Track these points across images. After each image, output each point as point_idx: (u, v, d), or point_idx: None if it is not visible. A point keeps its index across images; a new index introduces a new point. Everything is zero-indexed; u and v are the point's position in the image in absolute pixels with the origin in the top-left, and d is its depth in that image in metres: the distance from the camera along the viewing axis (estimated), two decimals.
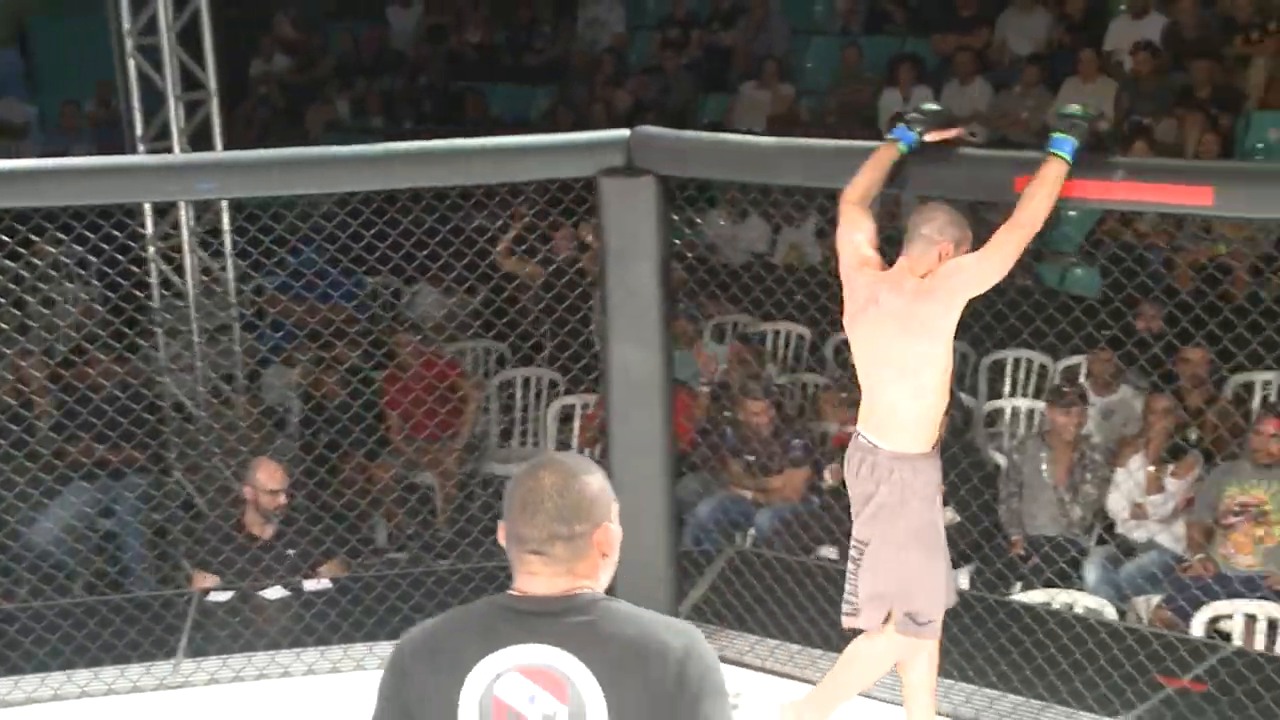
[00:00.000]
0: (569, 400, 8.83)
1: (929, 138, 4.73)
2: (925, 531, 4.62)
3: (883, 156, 4.71)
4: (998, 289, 4.53)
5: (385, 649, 5.03)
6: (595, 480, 2.72)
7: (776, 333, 9.46)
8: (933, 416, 4.56)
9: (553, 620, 2.66)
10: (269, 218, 6.66)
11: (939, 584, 4.67)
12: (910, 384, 4.49)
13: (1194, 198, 4.54)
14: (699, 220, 5.97)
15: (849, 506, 4.75)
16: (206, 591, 6.40)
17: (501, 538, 2.75)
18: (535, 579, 2.69)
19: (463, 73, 13.85)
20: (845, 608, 4.73)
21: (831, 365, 9.11)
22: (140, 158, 7.64)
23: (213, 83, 7.73)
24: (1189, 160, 8.84)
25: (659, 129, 5.58)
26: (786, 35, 12.73)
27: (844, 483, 4.84)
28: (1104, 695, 5.18)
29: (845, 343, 8.80)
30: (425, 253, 6.37)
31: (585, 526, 2.68)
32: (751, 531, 7.64)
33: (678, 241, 6.15)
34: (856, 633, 4.78)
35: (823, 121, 11.50)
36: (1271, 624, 6.13)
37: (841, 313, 4.70)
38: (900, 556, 4.59)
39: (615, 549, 2.74)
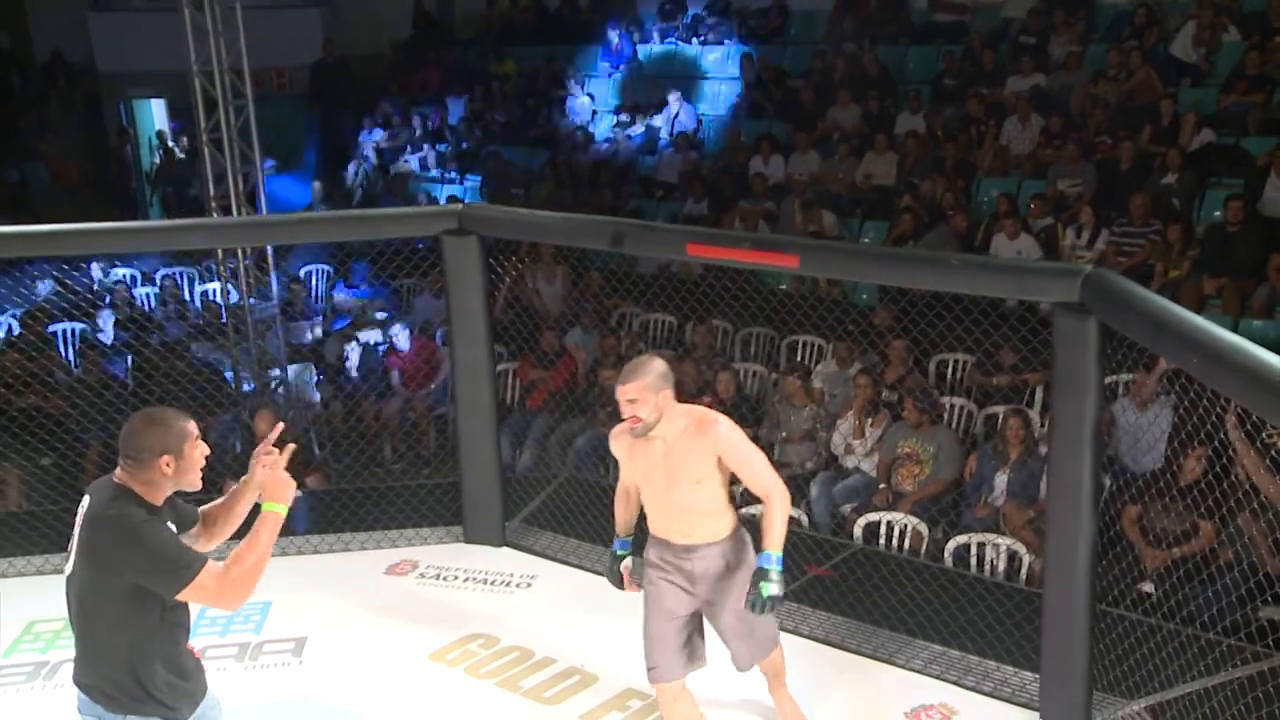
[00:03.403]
0: (501, 366, 8.86)
1: None
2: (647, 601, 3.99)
3: None
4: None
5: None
6: (152, 431, 3.06)
7: (658, 320, 9.41)
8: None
9: (100, 491, 3.10)
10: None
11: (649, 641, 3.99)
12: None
13: (787, 261, 4.56)
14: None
15: None
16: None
17: None
18: (117, 470, 3.12)
19: (491, 139, 13.83)
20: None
21: (689, 344, 9.08)
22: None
23: (258, 159, 7.65)
24: (809, 239, 8.36)
25: (482, 204, 5.56)
26: (695, 119, 12.64)
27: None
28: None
29: (695, 327, 8.94)
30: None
31: (135, 454, 3.05)
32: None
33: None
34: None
35: (717, 177, 11.41)
36: (903, 530, 6.10)
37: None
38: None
39: (171, 470, 3.06)
